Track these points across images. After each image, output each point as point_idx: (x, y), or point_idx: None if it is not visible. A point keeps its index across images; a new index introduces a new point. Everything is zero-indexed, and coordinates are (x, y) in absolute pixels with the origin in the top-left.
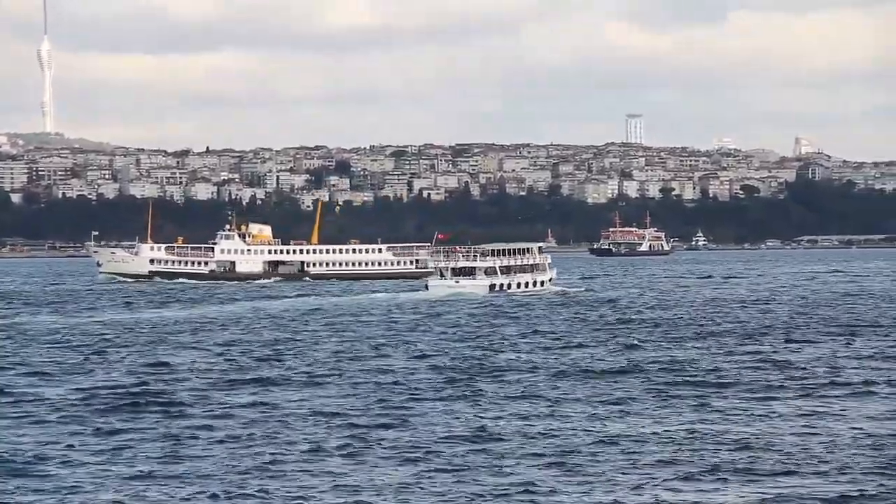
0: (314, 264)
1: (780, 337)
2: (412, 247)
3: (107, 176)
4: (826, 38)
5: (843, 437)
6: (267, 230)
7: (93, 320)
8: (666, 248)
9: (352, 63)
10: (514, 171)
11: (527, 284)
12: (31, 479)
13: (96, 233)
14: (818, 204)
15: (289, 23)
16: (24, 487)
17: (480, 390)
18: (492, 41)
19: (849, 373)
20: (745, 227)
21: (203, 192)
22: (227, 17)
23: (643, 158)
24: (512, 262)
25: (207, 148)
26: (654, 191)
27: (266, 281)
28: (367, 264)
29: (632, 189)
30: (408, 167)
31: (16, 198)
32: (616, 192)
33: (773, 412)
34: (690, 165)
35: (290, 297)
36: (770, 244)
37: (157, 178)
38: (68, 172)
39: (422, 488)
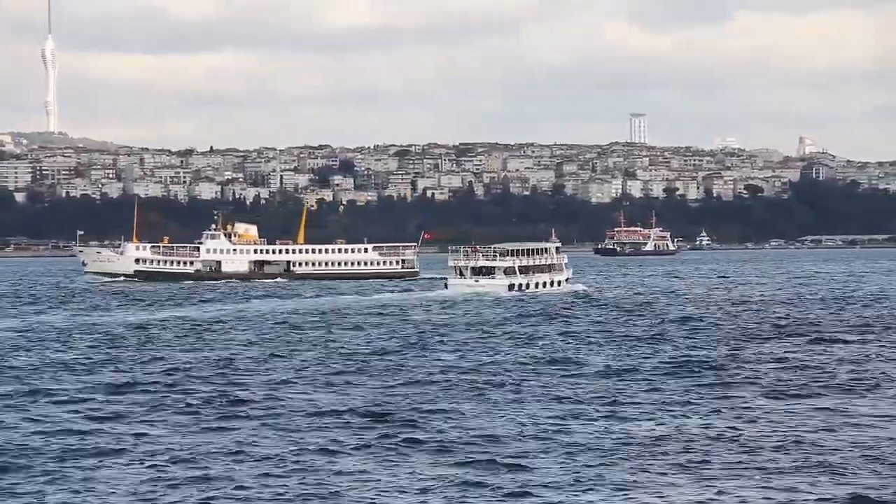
0: (300, 264)
1: None
2: (398, 247)
3: (110, 175)
4: (829, 38)
5: None
6: (253, 230)
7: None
8: (671, 247)
9: (354, 63)
10: (517, 170)
11: (544, 284)
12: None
13: (81, 232)
14: (822, 204)
15: (290, 22)
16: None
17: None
18: (494, 41)
19: None
20: (749, 226)
21: (207, 191)
22: (229, 16)
23: (647, 158)
24: (530, 262)
25: (211, 147)
26: (657, 190)
27: (279, 280)
28: (352, 264)
29: (635, 189)
30: (411, 167)
31: (20, 197)
32: (620, 191)
33: None
34: (694, 165)
35: (307, 297)
36: (774, 244)
37: (160, 177)
38: (72, 172)
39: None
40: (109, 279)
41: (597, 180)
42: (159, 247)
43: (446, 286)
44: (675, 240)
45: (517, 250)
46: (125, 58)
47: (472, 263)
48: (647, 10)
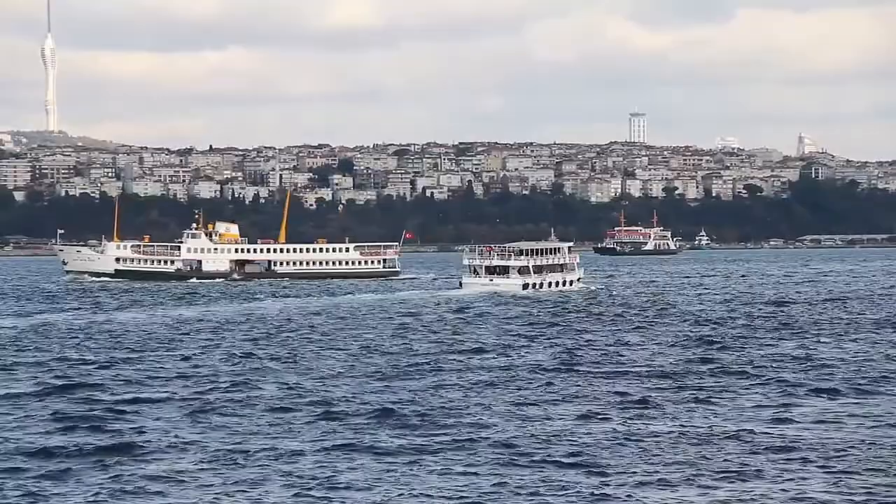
0: (281, 263)
1: None
2: (380, 246)
3: (110, 174)
4: (828, 37)
5: None
6: (234, 229)
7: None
8: (672, 247)
9: (354, 62)
10: (517, 169)
11: (557, 283)
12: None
13: (62, 231)
14: (821, 203)
15: (290, 21)
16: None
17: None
18: (494, 40)
19: None
20: (749, 226)
21: (206, 190)
22: (229, 15)
23: (646, 157)
24: (543, 262)
25: (211, 146)
26: (657, 190)
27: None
28: (334, 263)
29: (635, 188)
30: (411, 166)
31: (19, 196)
32: (619, 191)
33: None
34: (694, 164)
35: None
36: (773, 243)
37: (160, 176)
38: (71, 170)
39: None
40: (90, 278)
41: (596, 180)
42: (140, 246)
43: (461, 285)
44: (675, 239)
45: (531, 250)
46: (124, 56)
47: (486, 263)
48: (648, 10)
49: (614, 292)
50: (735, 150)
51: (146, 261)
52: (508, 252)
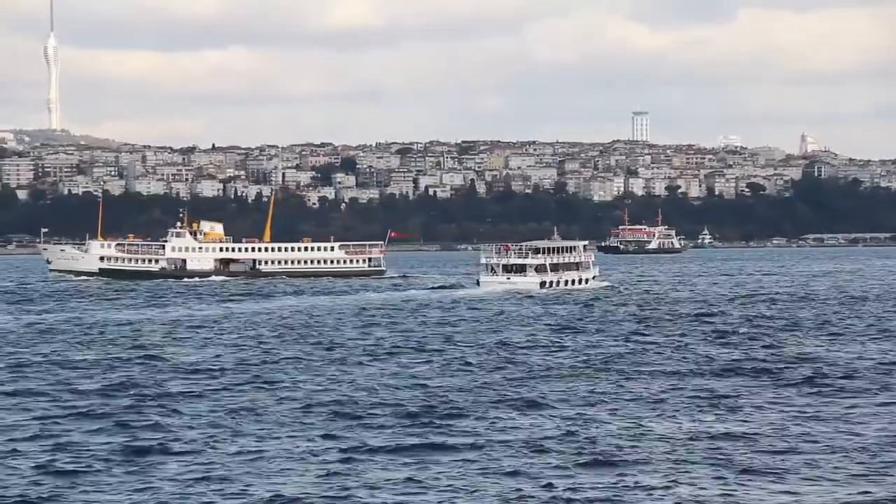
0: (266, 262)
1: None
2: (365, 245)
3: (113, 173)
4: (831, 36)
5: None
6: (219, 228)
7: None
8: (676, 245)
9: (356, 60)
10: (519, 168)
11: (573, 282)
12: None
13: (46, 230)
14: (824, 202)
15: (293, 21)
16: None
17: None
18: (497, 39)
19: None
20: (751, 225)
21: (209, 189)
22: (232, 14)
23: (649, 156)
24: (560, 260)
25: (213, 145)
26: (659, 188)
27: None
28: (318, 262)
29: (637, 187)
30: (413, 164)
31: (22, 194)
32: (622, 189)
33: None
34: (696, 163)
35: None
36: (776, 242)
37: (162, 174)
38: (74, 169)
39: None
40: (74, 277)
41: (598, 178)
42: (124, 244)
43: (478, 283)
44: (679, 238)
45: (548, 248)
46: (127, 55)
47: (503, 261)
48: (650, 9)
49: (664, 293)
50: (738, 149)
51: (130, 260)
52: (525, 250)
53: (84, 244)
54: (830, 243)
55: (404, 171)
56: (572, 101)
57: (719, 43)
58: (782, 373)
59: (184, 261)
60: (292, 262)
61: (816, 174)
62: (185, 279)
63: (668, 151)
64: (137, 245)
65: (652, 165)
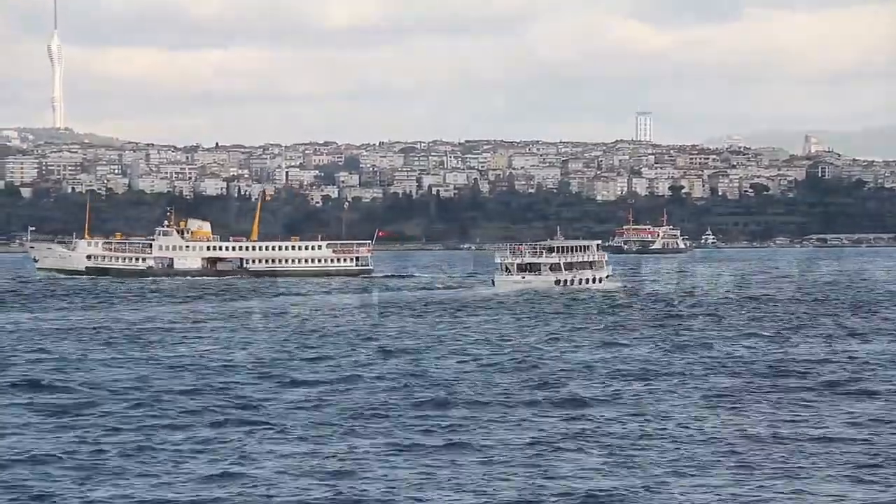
0: (253, 261)
1: None
2: (352, 244)
3: (116, 171)
4: (837, 36)
5: None
6: (206, 226)
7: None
8: (681, 246)
9: (359, 60)
10: (523, 168)
11: (587, 280)
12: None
13: (33, 228)
14: (827, 202)
15: (298, 19)
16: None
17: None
18: (501, 38)
19: None
20: (755, 225)
21: (212, 187)
22: (237, 13)
23: (653, 156)
24: (574, 259)
25: (217, 144)
26: (663, 189)
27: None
28: (306, 261)
29: (641, 187)
30: (417, 163)
31: (25, 192)
32: (625, 189)
33: None
34: (700, 163)
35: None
36: (779, 242)
37: (166, 173)
38: (78, 167)
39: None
40: (61, 275)
41: (602, 178)
42: (111, 243)
43: (493, 283)
44: (682, 238)
45: (562, 247)
46: (135, 54)
47: (518, 260)
48: (654, 8)
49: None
50: (741, 149)
51: (118, 258)
52: (540, 250)
53: (71, 243)
54: (833, 244)
55: (408, 171)
56: (576, 100)
57: (724, 43)
58: None
59: (171, 259)
60: (280, 261)
61: (820, 174)
62: (173, 278)
63: (671, 151)
64: (125, 244)
65: (655, 165)
